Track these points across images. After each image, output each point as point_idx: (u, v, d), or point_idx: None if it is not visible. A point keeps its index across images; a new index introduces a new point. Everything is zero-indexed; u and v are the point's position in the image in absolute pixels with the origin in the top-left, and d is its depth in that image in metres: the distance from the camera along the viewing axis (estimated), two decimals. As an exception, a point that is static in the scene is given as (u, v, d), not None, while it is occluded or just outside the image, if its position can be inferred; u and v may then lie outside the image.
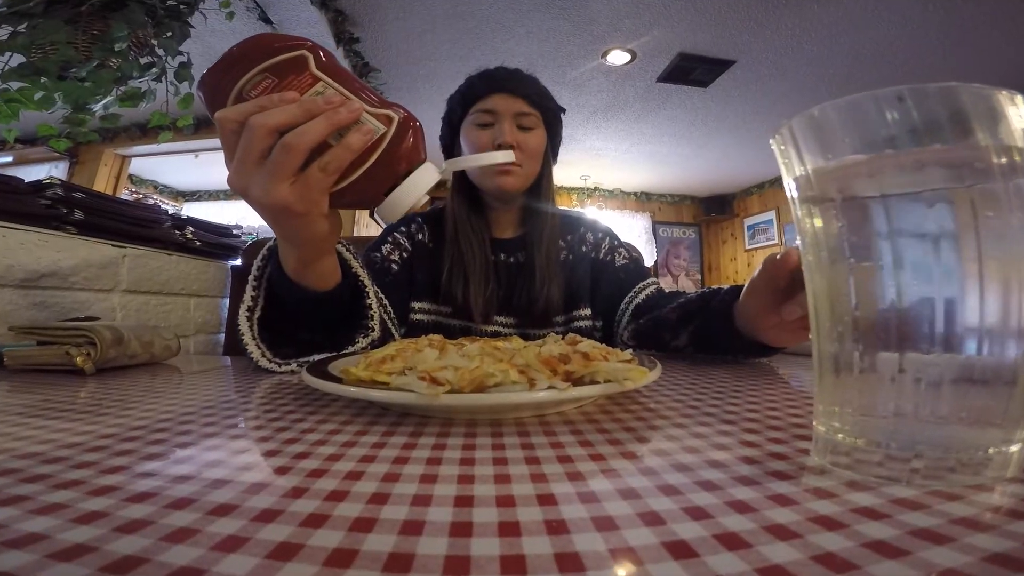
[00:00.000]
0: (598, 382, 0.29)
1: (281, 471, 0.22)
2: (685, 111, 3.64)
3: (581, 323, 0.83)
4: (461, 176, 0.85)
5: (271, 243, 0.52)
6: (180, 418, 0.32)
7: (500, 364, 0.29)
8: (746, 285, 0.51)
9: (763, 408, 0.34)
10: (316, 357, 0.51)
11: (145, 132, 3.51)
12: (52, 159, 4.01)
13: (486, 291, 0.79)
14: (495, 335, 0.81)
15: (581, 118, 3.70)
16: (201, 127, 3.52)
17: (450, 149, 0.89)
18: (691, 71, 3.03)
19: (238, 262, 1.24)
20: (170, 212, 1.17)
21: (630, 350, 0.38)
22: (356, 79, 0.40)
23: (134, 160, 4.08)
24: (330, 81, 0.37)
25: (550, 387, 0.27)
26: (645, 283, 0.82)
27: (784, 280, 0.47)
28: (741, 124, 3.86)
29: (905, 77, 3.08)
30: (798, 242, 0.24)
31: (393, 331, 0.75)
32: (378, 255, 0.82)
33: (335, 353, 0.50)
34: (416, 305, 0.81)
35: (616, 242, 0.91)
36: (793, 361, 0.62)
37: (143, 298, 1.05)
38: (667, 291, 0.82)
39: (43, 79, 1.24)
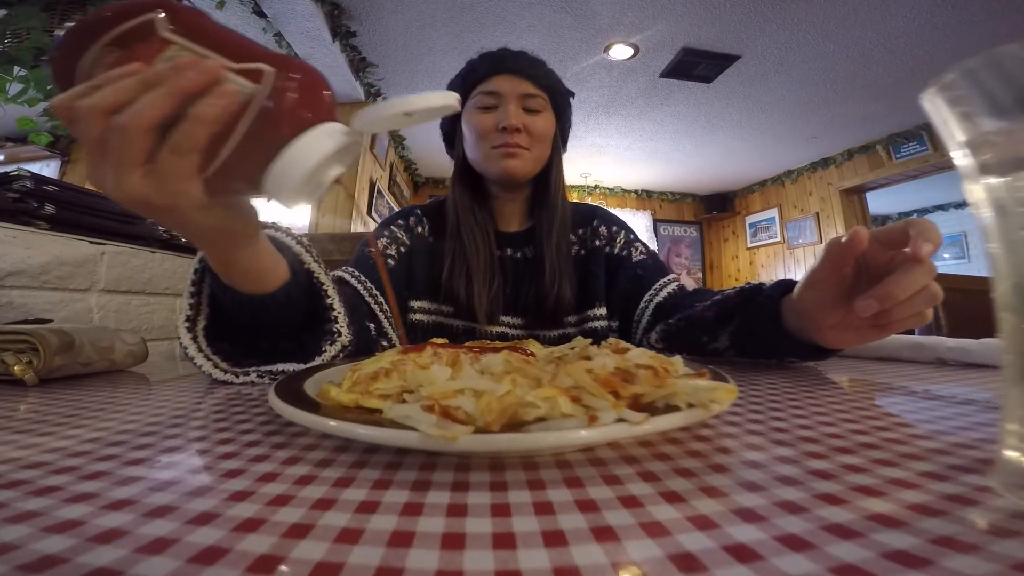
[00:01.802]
0: (675, 406, 0.22)
1: (238, 497, 0.18)
2: (688, 107, 3.58)
3: (596, 323, 0.75)
4: (463, 165, 0.78)
5: None
6: (142, 430, 0.27)
7: (543, 389, 0.21)
8: (805, 277, 0.45)
9: (869, 428, 0.27)
10: (282, 367, 0.44)
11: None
12: (43, 158, 3.94)
13: (491, 290, 0.72)
14: (501, 337, 0.74)
15: (582, 114, 3.64)
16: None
17: (451, 138, 0.82)
18: (695, 66, 2.98)
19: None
20: None
21: (679, 356, 0.31)
22: (234, 34, 0.31)
23: None
24: (185, 42, 0.30)
25: (619, 420, 0.20)
26: (665, 280, 0.75)
27: (850, 267, 0.41)
28: (744, 121, 3.81)
29: (913, 73, 3.03)
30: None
31: (393, 335, 0.68)
32: (372, 251, 0.75)
33: (306, 366, 0.43)
34: (415, 304, 0.74)
35: (632, 236, 0.82)
36: (851, 365, 0.55)
37: (123, 298, 0.98)
38: (689, 289, 0.75)
39: (17, 69, 1.18)
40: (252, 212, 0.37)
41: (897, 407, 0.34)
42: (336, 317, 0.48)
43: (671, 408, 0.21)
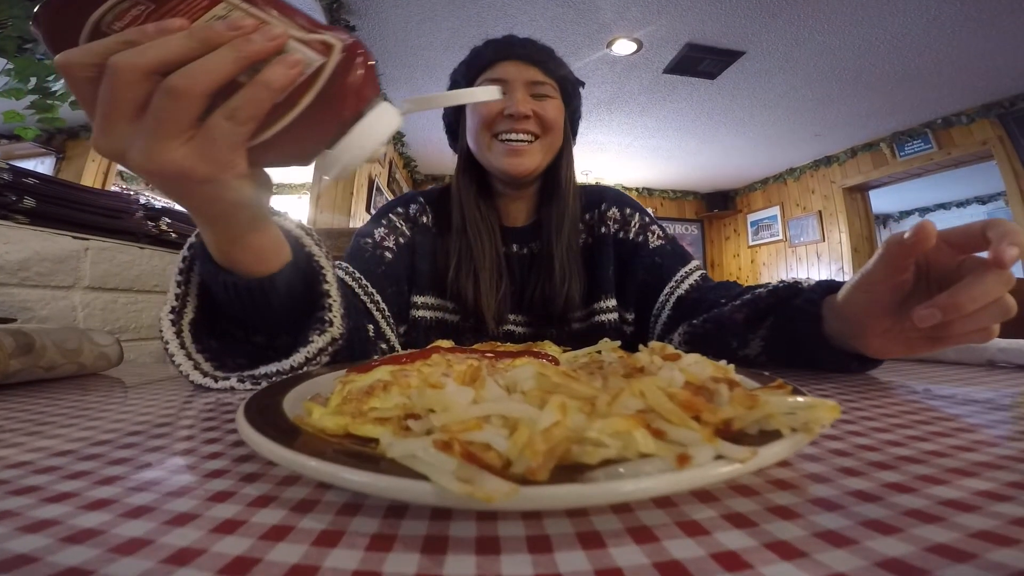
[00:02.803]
0: (773, 431, 0.17)
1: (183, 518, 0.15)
2: (691, 104, 3.53)
3: (605, 316, 0.70)
4: (467, 158, 0.73)
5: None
6: (114, 439, 0.24)
7: (610, 420, 0.16)
8: (857, 277, 0.39)
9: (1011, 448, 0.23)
10: (265, 370, 0.40)
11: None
12: (38, 155, 3.89)
13: (499, 291, 0.67)
14: (508, 336, 0.69)
15: (583, 111, 3.54)
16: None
17: (454, 130, 0.77)
18: (699, 62, 2.93)
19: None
20: (142, 201, 1.04)
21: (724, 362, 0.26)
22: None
23: None
24: (238, 1, 0.27)
25: (719, 457, 0.15)
26: (688, 269, 0.68)
27: (910, 270, 0.36)
28: (748, 118, 3.76)
29: (920, 71, 2.99)
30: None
31: (390, 335, 0.63)
32: (369, 241, 0.69)
33: (289, 371, 0.39)
34: (418, 300, 0.69)
35: (647, 218, 0.74)
36: (890, 367, 0.49)
37: (109, 296, 0.94)
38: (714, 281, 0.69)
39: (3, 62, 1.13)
40: (271, 188, 0.35)
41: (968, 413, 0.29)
42: (330, 305, 0.44)
43: (764, 435, 0.17)
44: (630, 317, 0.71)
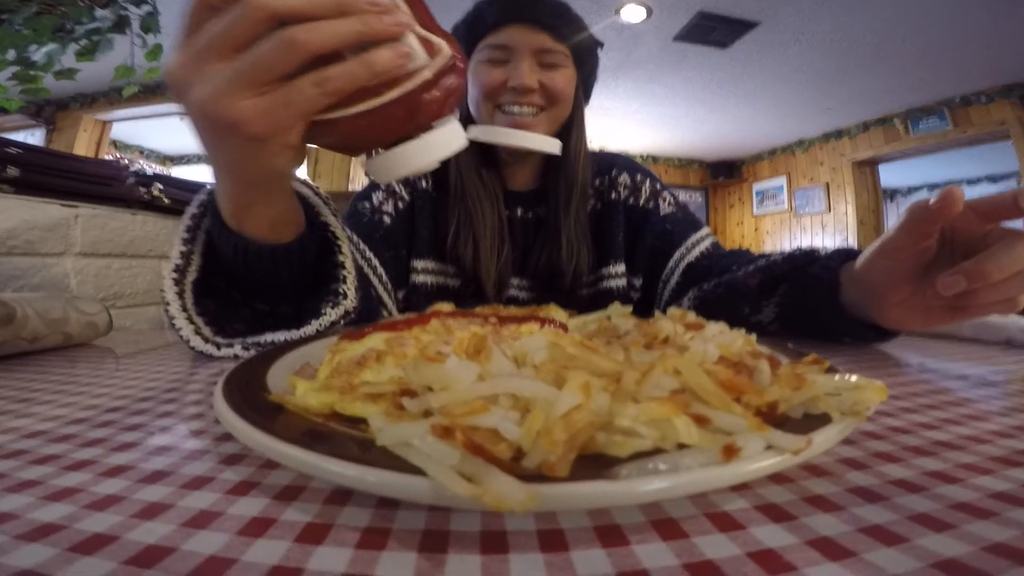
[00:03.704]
0: (819, 415, 0.15)
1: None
2: (701, 73, 3.41)
3: (613, 283, 0.67)
4: (467, 119, 0.68)
5: (211, 185, 0.39)
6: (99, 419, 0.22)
7: (646, 406, 0.14)
8: (878, 243, 0.38)
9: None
10: (271, 337, 0.38)
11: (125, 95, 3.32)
12: (27, 127, 3.81)
13: (500, 258, 0.65)
14: (511, 301, 0.67)
15: (593, 76, 3.48)
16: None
17: None
18: (711, 31, 2.82)
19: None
20: (133, 169, 1.02)
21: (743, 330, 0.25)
22: None
23: (118, 125, 3.89)
24: None
25: (769, 447, 0.13)
26: (698, 236, 0.66)
27: (934, 237, 0.34)
28: (759, 89, 3.65)
29: (939, 48, 2.87)
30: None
31: (387, 300, 0.61)
32: (367, 204, 0.66)
33: (285, 337, 0.37)
34: (418, 264, 0.66)
35: (659, 185, 0.72)
36: (904, 341, 0.46)
37: (103, 261, 0.93)
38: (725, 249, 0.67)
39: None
40: (302, 163, 0.33)
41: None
42: (344, 277, 0.42)
43: (809, 419, 0.15)
44: (638, 283, 0.70)
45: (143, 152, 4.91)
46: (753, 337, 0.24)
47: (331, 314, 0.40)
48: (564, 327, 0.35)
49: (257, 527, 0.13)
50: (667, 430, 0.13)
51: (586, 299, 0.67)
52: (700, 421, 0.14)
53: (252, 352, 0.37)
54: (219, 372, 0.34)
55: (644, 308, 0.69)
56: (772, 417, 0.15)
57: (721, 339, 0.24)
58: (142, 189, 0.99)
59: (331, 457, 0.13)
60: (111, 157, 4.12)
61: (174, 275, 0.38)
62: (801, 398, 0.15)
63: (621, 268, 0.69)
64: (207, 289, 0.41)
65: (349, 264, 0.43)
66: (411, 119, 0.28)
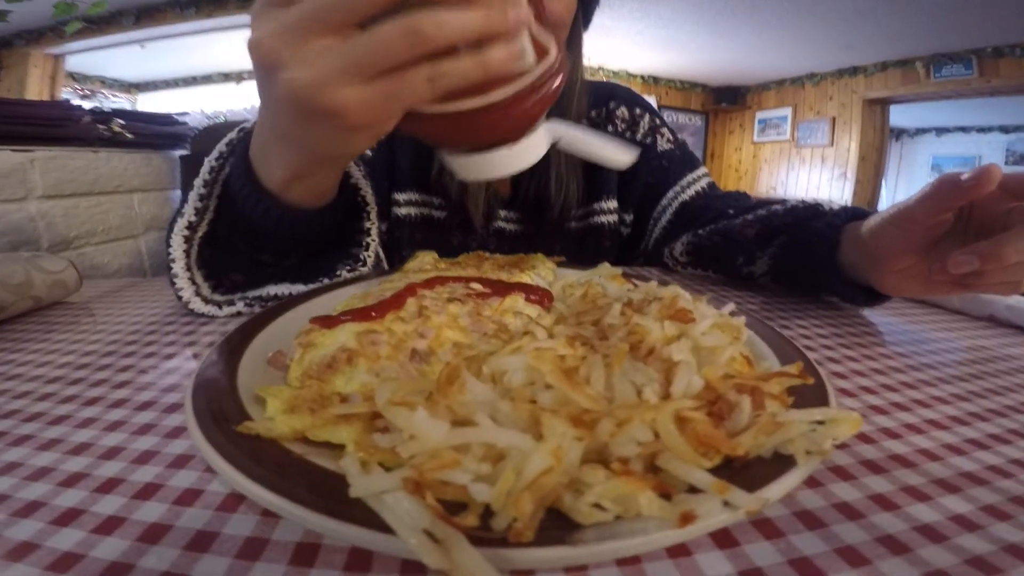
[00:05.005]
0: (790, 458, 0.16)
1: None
2: (714, -2, 3.14)
3: (604, 218, 0.66)
4: None
5: (232, 135, 0.38)
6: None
7: (615, 482, 0.14)
8: (893, 211, 0.36)
9: None
10: (275, 290, 0.38)
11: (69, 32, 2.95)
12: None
13: (487, 188, 0.62)
14: (499, 234, 0.65)
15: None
16: (142, 16, 3.00)
17: None
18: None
19: (187, 151, 1.08)
20: (89, 107, 0.97)
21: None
22: None
23: (73, 58, 3.57)
24: None
25: (726, 504, 0.14)
26: (694, 175, 0.64)
27: (954, 211, 0.33)
28: (775, 20, 3.42)
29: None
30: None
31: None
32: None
33: (289, 291, 0.38)
34: (400, 197, 0.63)
35: (658, 120, 0.70)
36: (891, 307, 0.46)
37: (69, 201, 0.90)
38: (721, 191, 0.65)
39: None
40: None
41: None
42: (367, 244, 0.42)
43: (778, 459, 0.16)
44: (628, 219, 0.68)
45: (104, 82, 4.51)
46: (743, 325, 0.25)
47: (345, 277, 0.40)
48: (549, 296, 0.35)
49: (200, 542, 0.14)
50: (631, 504, 0.14)
51: (576, 233, 0.66)
52: (664, 493, 0.14)
53: (256, 308, 0.38)
54: (187, 331, 0.34)
55: (636, 245, 0.68)
56: (742, 458, 0.16)
57: (709, 340, 0.23)
58: (101, 127, 0.94)
59: (305, 508, 0.14)
60: (68, 91, 3.82)
61: (185, 231, 0.37)
62: (773, 443, 0.16)
63: (613, 204, 0.67)
64: (210, 239, 0.40)
65: (375, 232, 0.43)
66: (508, 122, 0.27)
